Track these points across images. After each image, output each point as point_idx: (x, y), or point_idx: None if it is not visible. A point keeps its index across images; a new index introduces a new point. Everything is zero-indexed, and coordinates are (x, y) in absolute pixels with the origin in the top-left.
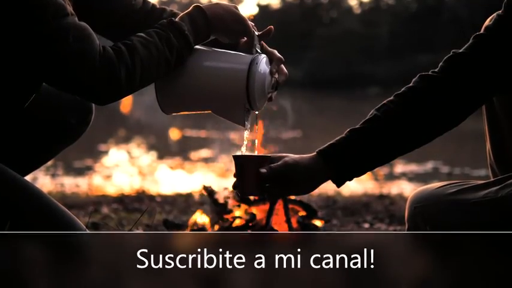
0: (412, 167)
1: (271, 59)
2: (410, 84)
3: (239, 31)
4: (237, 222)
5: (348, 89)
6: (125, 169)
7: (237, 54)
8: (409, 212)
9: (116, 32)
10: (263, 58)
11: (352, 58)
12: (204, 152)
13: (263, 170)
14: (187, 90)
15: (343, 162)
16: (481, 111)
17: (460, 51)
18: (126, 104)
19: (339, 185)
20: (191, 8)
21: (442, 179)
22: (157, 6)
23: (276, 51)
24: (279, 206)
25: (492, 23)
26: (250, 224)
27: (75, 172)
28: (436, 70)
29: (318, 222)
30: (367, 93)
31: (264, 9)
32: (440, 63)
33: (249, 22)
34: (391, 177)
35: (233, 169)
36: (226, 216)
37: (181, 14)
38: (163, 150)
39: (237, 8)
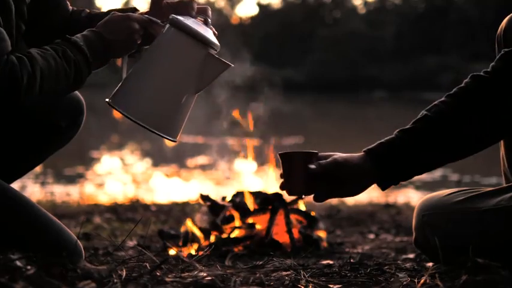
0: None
1: (179, 12)
2: (462, 85)
3: (135, 39)
4: (236, 232)
5: (352, 93)
6: (118, 177)
7: (160, 39)
8: (417, 220)
9: None
10: (172, 18)
11: (357, 60)
12: (201, 159)
13: (312, 166)
14: (173, 104)
15: (390, 163)
16: None
17: None
18: None
19: (383, 188)
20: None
21: (451, 187)
22: (75, 8)
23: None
24: (280, 216)
25: None
26: (250, 235)
27: (66, 180)
28: (488, 70)
29: (320, 233)
30: (372, 97)
31: (264, 9)
32: (492, 63)
33: (140, 16)
34: (398, 185)
35: (232, 176)
36: (225, 227)
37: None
38: (159, 157)
39: (129, 18)
